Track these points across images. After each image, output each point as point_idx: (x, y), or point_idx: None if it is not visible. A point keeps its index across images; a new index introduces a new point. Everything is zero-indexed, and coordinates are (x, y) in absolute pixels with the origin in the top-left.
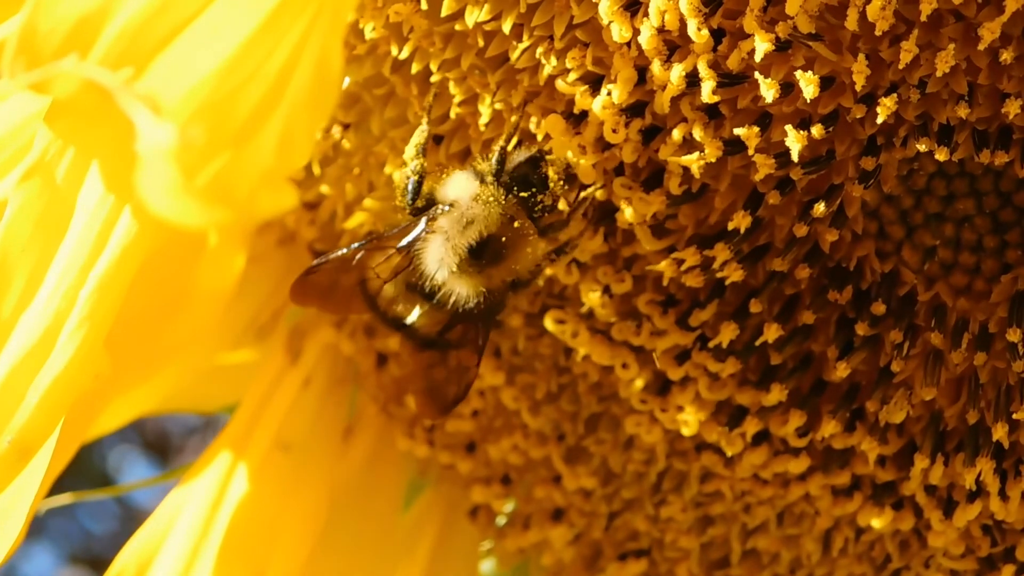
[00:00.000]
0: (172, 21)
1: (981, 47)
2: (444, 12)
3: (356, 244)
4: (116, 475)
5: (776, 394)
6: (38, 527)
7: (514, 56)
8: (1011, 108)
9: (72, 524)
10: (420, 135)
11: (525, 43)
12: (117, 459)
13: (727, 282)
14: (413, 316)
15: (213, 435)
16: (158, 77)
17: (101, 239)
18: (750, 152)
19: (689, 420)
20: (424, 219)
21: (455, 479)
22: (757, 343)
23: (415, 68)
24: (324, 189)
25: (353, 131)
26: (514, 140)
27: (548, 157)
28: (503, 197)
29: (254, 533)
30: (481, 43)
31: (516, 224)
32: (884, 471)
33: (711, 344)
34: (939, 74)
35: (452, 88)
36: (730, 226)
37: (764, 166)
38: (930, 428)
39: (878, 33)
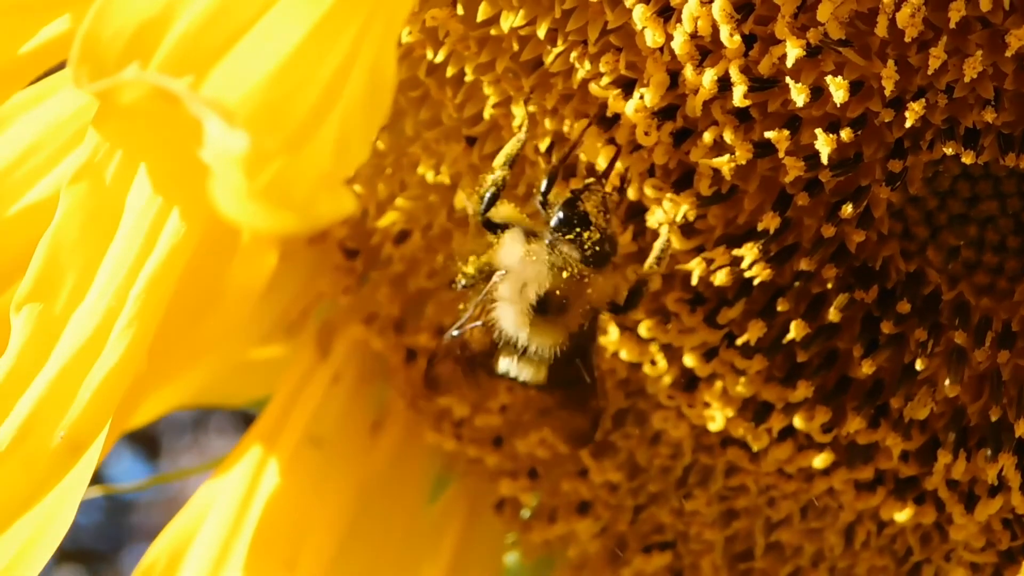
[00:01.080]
0: (230, 26)
1: (1008, 53)
2: (480, 17)
3: (449, 334)
4: (103, 467)
5: (802, 391)
6: None
7: (548, 60)
8: None
9: None
10: (514, 145)
11: (559, 47)
12: None
13: (755, 281)
14: (519, 371)
15: (203, 431)
16: (218, 83)
17: (150, 240)
18: (780, 155)
19: (716, 416)
20: (485, 290)
21: (481, 473)
22: (784, 341)
23: (450, 71)
24: (356, 188)
25: (387, 132)
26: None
27: (584, 195)
28: (547, 252)
29: (284, 526)
30: (516, 47)
31: (566, 274)
32: (907, 466)
33: (738, 342)
34: (966, 79)
35: (486, 89)
36: (759, 227)
37: (793, 168)
38: (953, 424)
39: (907, 39)
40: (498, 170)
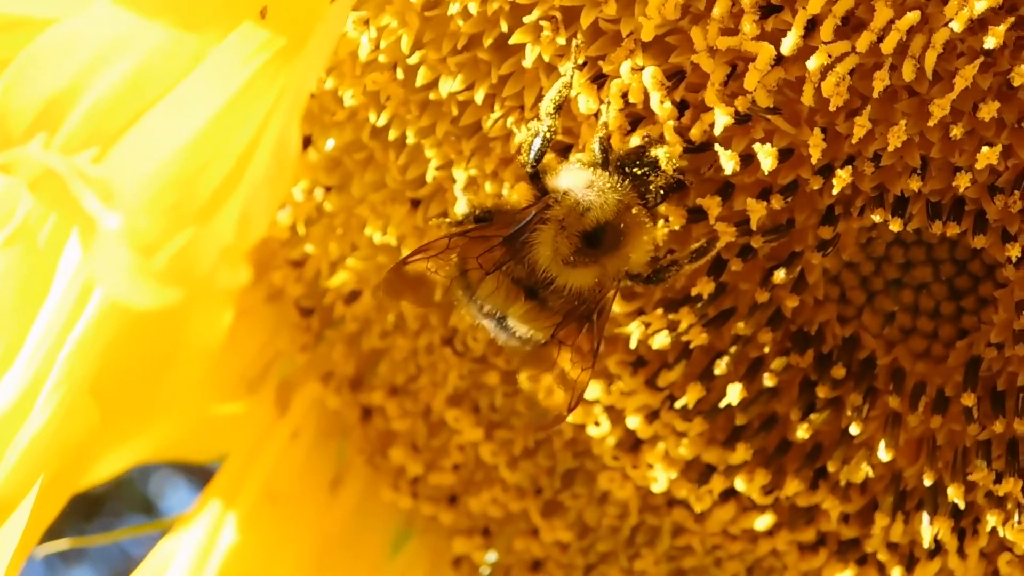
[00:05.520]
0: (140, 100)
1: (931, 123)
2: (419, 82)
3: (456, 234)
4: (157, 500)
5: (742, 453)
6: (79, 550)
7: (487, 125)
8: (962, 181)
9: (113, 547)
10: (560, 91)
11: (497, 113)
12: (159, 483)
13: (691, 345)
14: (512, 312)
15: None
16: (123, 156)
17: (80, 303)
18: (711, 221)
19: (659, 477)
20: (533, 211)
21: (439, 529)
22: (722, 405)
23: (392, 135)
24: (309, 248)
25: (335, 193)
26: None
27: (655, 143)
28: (619, 183)
29: None
30: (455, 112)
31: (634, 211)
32: (848, 528)
33: (677, 405)
34: (891, 148)
35: (428, 152)
36: (693, 292)
37: (725, 234)
38: (891, 487)
39: (832, 108)
40: (546, 118)
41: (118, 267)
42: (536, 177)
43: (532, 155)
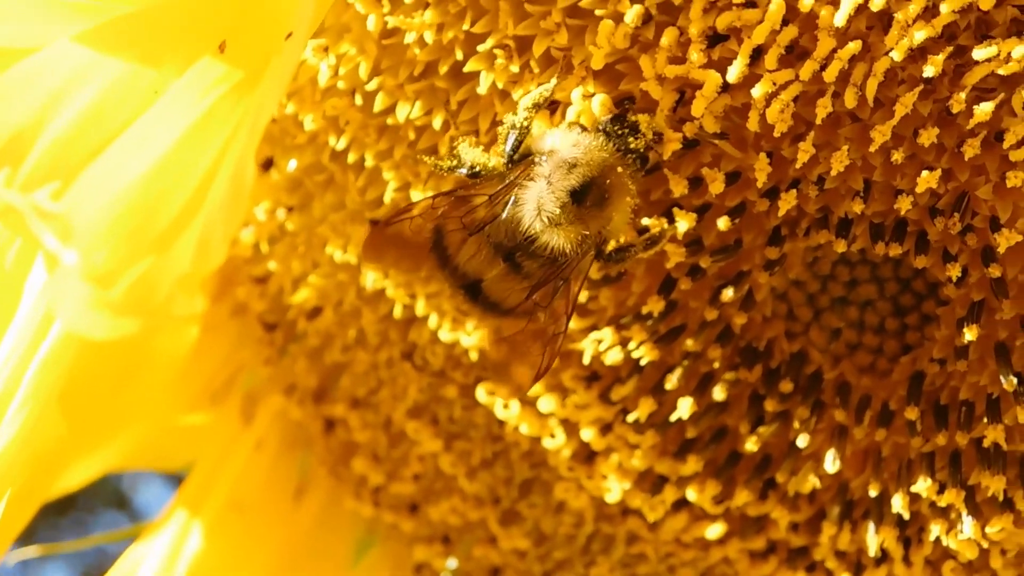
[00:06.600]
0: (101, 133)
1: (873, 148)
2: (377, 107)
3: (441, 194)
4: (131, 494)
5: (693, 464)
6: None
7: (443, 150)
8: (903, 204)
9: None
10: (541, 94)
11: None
12: (132, 477)
13: (642, 361)
14: (489, 276)
15: None
16: (83, 190)
17: (45, 323)
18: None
19: (613, 487)
20: (518, 170)
21: (400, 537)
22: (672, 418)
23: (352, 158)
24: (272, 266)
25: (297, 213)
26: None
27: (635, 110)
28: (604, 144)
29: None
30: (412, 136)
31: (619, 169)
32: (797, 536)
33: (630, 418)
34: (834, 172)
35: (386, 175)
36: (644, 310)
37: (675, 255)
38: (838, 497)
39: (777, 134)
40: (523, 111)
41: (75, 302)
42: (513, 164)
43: (508, 146)
